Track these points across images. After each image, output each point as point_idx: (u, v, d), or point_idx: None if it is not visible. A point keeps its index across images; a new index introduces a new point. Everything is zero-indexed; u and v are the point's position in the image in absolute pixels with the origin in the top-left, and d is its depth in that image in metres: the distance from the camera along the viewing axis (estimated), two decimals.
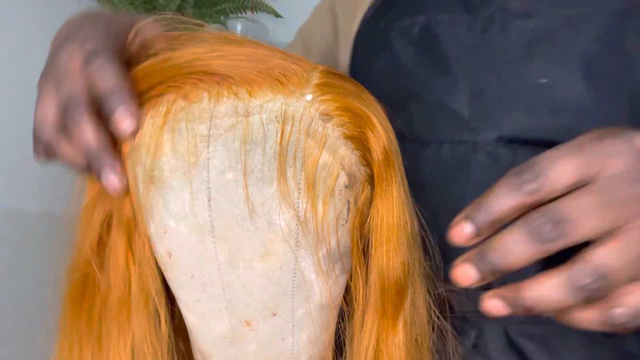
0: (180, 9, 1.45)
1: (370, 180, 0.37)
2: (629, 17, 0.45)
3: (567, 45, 0.46)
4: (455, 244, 0.28)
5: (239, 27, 1.53)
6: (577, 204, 0.25)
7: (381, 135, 0.35)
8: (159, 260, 0.38)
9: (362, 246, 0.38)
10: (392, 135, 0.36)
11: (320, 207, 0.34)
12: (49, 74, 0.36)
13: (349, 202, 0.36)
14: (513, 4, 0.48)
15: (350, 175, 0.35)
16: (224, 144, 0.33)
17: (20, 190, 1.16)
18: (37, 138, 0.37)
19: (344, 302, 0.41)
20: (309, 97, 0.34)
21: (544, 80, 0.46)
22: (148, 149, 0.34)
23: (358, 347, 0.38)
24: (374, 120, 0.35)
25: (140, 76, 0.34)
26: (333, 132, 0.34)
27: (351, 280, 0.40)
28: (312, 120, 0.34)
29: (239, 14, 1.52)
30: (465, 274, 0.27)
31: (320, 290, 0.37)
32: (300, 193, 0.34)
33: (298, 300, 0.37)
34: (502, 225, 0.27)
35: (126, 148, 0.36)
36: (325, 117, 0.34)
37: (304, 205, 0.34)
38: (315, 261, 0.36)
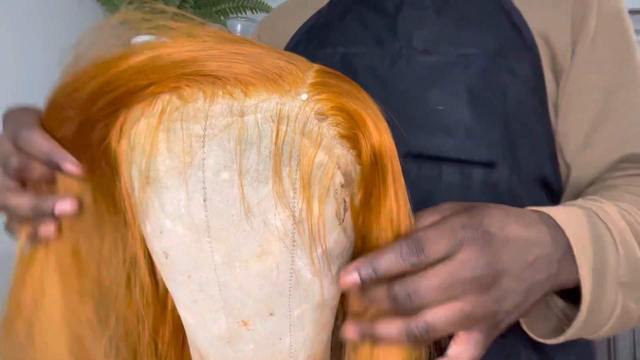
0: (180, 9, 1.46)
1: (367, 179, 0.37)
2: (502, 57, 0.57)
3: (457, 78, 0.57)
4: (342, 287, 0.36)
5: (239, 27, 1.53)
6: (428, 283, 0.35)
7: (373, 135, 0.35)
8: (156, 261, 0.38)
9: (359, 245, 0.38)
10: (387, 136, 0.36)
11: (316, 207, 0.34)
12: None
13: (345, 202, 0.36)
14: (415, 42, 0.59)
15: (346, 175, 0.35)
16: (219, 143, 0.33)
17: None
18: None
19: (341, 302, 0.41)
20: (304, 96, 0.34)
21: (440, 107, 0.56)
22: (143, 149, 0.34)
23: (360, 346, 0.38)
24: (367, 120, 0.35)
25: (133, 72, 0.34)
26: (328, 131, 0.34)
27: None
28: (308, 119, 0.34)
29: (239, 14, 1.52)
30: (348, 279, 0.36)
31: (317, 289, 0.37)
32: (295, 193, 0.34)
33: (295, 300, 0.37)
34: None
35: (121, 147, 0.36)
36: (321, 116, 0.34)
37: (300, 205, 0.34)
38: (312, 261, 0.36)
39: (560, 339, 0.44)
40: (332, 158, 0.34)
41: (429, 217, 0.38)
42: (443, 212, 0.38)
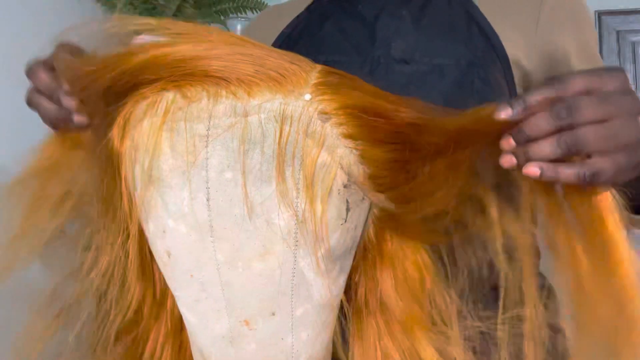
0: (180, 9, 1.45)
1: (369, 179, 0.37)
2: (476, 67, 0.59)
3: (434, 86, 0.59)
4: (497, 118, 0.36)
5: (239, 27, 1.52)
6: (586, 101, 0.36)
7: (403, 110, 0.35)
8: (159, 260, 0.38)
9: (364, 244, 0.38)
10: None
11: (319, 207, 0.34)
12: None
13: (348, 202, 0.36)
14: (393, 51, 0.61)
15: (349, 175, 0.35)
16: (223, 143, 0.33)
17: None
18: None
19: (344, 301, 0.41)
20: (307, 96, 0.34)
21: None
22: (147, 149, 0.34)
23: (367, 342, 0.38)
24: (373, 117, 0.35)
25: (138, 69, 0.34)
26: (332, 131, 0.34)
27: (351, 279, 0.40)
28: (311, 119, 0.34)
29: (239, 14, 1.52)
30: (507, 158, 0.37)
31: (320, 289, 0.37)
32: (299, 192, 0.34)
33: (297, 300, 0.37)
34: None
35: (124, 147, 0.36)
36: (324, 116, 0.34)
37: (303, 205, 0.34)
38: (314, 261, 0.36)
39: None
40: (334, 158, 0.34)
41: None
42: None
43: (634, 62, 1.35)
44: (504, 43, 0.61)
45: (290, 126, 0.33)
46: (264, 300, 0.36)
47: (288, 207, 0.34)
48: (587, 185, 0.38)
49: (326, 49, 0.65)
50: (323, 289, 0.37)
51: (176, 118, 0.34)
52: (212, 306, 0.37)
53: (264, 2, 1.49)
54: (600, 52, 1.24)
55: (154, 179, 0.34)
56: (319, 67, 0.36)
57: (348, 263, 0.39)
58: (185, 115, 0.34)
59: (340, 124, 0.34)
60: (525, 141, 0.37)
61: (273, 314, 0.37)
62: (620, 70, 0.39)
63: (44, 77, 0.47)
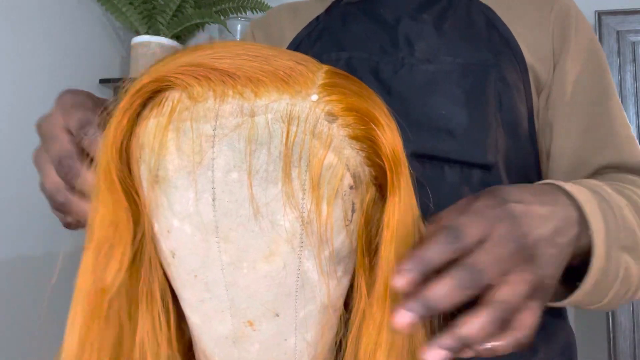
0: (180, 9, 1.45)
1: (375, 181, 0.37)
2: (495, 67, 0.62)
3: (457, 85, 0.61)
4: (396, 288, 0.35)
5: (239, 27, 1.53)
6: (483, 259, 0.35)
7: (389, 134, 0.35)
8: (163, 260, 0.38)
9: (367, 247, 0.38)
10: (397, 134, 0.36)
11: (324, 208, 0.34)
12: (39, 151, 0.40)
13: (353, 203, 0.36)
14: (417, 52, 0.64)
15: (355, 176, 0.35)
16: (229, 143, 0.33)
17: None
18: (56, 206, 0.40)
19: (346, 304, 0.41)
20: (314, 97, 0.34)
21: (443, 112, 0.60)
22: (153, 148, 0.34)
23: (365, 345, 0.38)
24: (381, 119, 0.35)
25: (144, 73, 0.34)
26: (338, 132, 0.34)
27: (355, 281, 0.40)
28: (318, 120, 0.34)
29: (239, 14, 1.52)
30: (402, 317, 0.35)
31: (324, 291, 0.37)
32: (305, 194, 0.34)
33: (301, 301, 0.37)
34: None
35: (131, 146, 0.36)
36: (331, 117, 0.34)
37: (309, 206, 0.34)
38: (319, 262, 0.36)
39: (572, 298, 0.46)
40: (341, 159, 0.34)
41: (452, 209, 0.39)
42: (460, 205, 0.40)
43: (634, 62, 1.35)
44: (520, 47, 0.63)
45: (297, 127, 0.33)
46: (268, 301, 0.36)
47: (294, 208, 0.33)
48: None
49: (349, 46, 0.67)
50: (327, 291, 0.37)
51: (182, 118, 0.34)
52: (216, 307, 0.37)
53: (264, 2, 1.49)
54: None
55: (160, 179, 0.34)
56: (325, 67, 0.36)
57: (352, 264, 0.39)
58: (192, 115, 0.33)
59: (347, 125, 0.34)
60: (429, 313, 0.35)
61: (277, 315, 0.37)
62: (504, 207, 0.38)
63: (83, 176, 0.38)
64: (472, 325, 0.35)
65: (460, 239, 0.36)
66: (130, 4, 1.42)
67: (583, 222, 0.43)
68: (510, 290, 0.36)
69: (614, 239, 0.45)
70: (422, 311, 0.34)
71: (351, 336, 0.40)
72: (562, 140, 0.63)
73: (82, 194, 0.38)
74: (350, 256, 0.38)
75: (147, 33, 1.44)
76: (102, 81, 1.45)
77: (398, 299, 0.36)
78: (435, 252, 0.35)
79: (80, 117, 0.37)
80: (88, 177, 0.37)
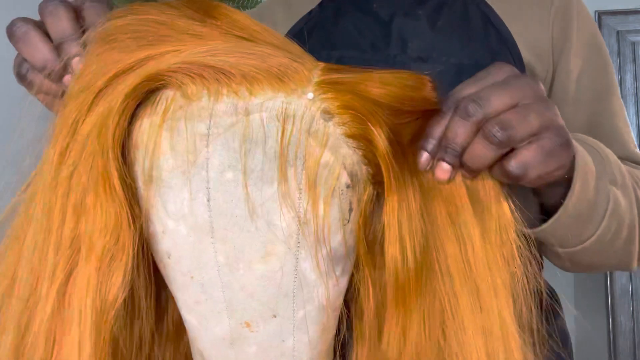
0: None
1: (373, 179, 0.37)
2: None
3: (451, 85, 0.58)
4: (422, 165, 0.37)
5: None
6: (513, 118, 0.36)
7: (385, 131, 0.34)
8: (158, 262, 0.38)
9: (369, 245, 0.37)
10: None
11: (321, 208, 0.34)
12: None
13: (351, 202, 0.35)
14: (410, 50, 0.62)
15: (352, 175, 0.35)
16: (224, 143, 0.33)
17: None
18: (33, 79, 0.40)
19: (344, 304, 0.41)
20: (310, 95, 0.34)
21: None
22: (146, 148, 0.34)
23: (386, 344, 0.37)
24: (376, 117, 0.34)
25: (137, 66, 0.33)
26: (335, 130, 0.34)
27: (355, 281, 0.40)
28: (314, 118, 0.34)
29: None
30: (441, 168, 0.37)
31: (321, 291, 0.37)
32: (301, 193, 0.33)
33: (299, 302, 0.37)
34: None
35: (127, 149, 0.35)
36: (327, 115, 0.34)
37: (305, 206, 0.33)
38: (316, 262, 0.35)
39: (555, 221, 0.46)
40: (338, 158, 0.34)
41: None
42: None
43: (634, 62, 1.35)
44: (518, 45, 0.63)
45: (293, 125, 0.33)
46: (265, 302, 0.36)
47: (290, 208, 0.33)
48: (515, 180, 0.37)
49: (341, 45, 0.65)
50: (325, 291, 0.37)
51: (176, 117, 0.33)
52: (212, 308, 0.36)
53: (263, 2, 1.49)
54: None
55: (154, 179, 0.34)
56: (321, 65, 0.36)
57: (350, 264, 0.39)
58: (186, 114, 0.33)
59: (343, 124, 0.34)
60: (468, 173, 0.37)
61: (274, 316, 0.37)
62: (503, 65, 0.39)
63: (65, 24, 0.38)
64: (457, 123, 0.36)
65: (484, 107, 0.36)
66: (130, 3, 1.42)
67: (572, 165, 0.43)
68: (514, 117, 0.36)
69: (602, 173, 0.46)
70: (450, 156, 0.36)
71: (367, 336, 0.39)
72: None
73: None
74: (348, 256, 0.38)
75: None
76: None
77: (408, 299, 0.36)
78: (459, 126, 0.36)
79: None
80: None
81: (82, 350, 0.33)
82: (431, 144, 0.37)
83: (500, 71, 0.39)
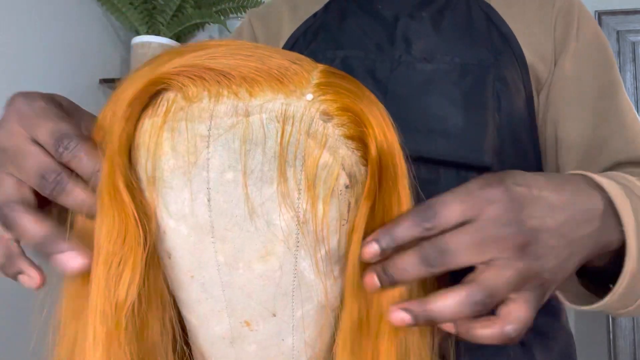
0: (180, 9, 1.45)
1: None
2: (495, 68, 0.61)
3: (454, 85, 0.60)
4: (363, 259, 0.35)
5: None
6: (457, 240, 0.34)
7: (380, 135, 0.35)
8: (159, 261, 0.38)
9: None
10: (393, 135, 0.36)
11: (320, 208, 0.34)
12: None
13: (349, 203, 0.36)
14: (414, 51, 0.62)
15: (350, 176, 0.35)
16: (224, 144, 0.33)
17: None
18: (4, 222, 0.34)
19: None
20: (309, 96, 0.34)
21: (440, 113, 0.59)
22: (148, 149, 0.34)
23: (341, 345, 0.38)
24: (373, 119, 0.35)
25: (139, 74, 0.34)
26: (333, 131, 0.34)
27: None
28: (313, 120, 0.34)
29: (239, 14, 1.52)
30: (370, 279, 0.35)
31: (320, 290, 0.37)
32: (300, 193, 0.34)
33: (298, 301, 0.37)
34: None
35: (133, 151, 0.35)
36: (326, 116, 0.34)
37: (304, 206, 0.34)
38: (315, 262, 0.36)
39: (603, 302, 0.42)
40: (337, 159, 0.34)
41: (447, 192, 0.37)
42: (456, 187, 0.37)
43: (634, 62, 1.35)
44: (521, 46, 0.62)
45: (292, 126, 0.33)
46: (265, 301, 0.36)
47: (289, 208, 0.33)
48: (509, 342, 0.35)
49: (346, 44, 0.65)
50: (324, 290, 0.37)
51: (177, 118, 0.34)
52: (212, 307, 0.37)
53: (263, 2, 1.49)
54: None
55: (155, 179, 0.34)
56: (320, 66, 0.36)
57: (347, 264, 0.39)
58: (187, 115, 0.33)
59: (342, 125, 0.34)
60: (391, 285, 0.35)
61: (274, 315, 0.37)
62: (503, 183, 0.35)
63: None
64: (445, 300, 0.34)
65: (434, 217, 0.34)
66: (131, 4, 1.42)
67: (609, 216, 0.38)
68: (492, 274, 0.33)
69: None
70: (385, 279, 0.34)
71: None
72: (570, 137, 0.61)
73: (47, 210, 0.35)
74: (347, 256, 0.38)
75: (147, 33, 1.44)
76: (102, 81, 1.45)
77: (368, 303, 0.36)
78: (404, 228, 0.34)
79: (53, 128, 0.33)
80: (79, 194, 0.34)
81: (95, 353, 0.34)
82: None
83: (492, 206, 0.34)
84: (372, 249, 0.34)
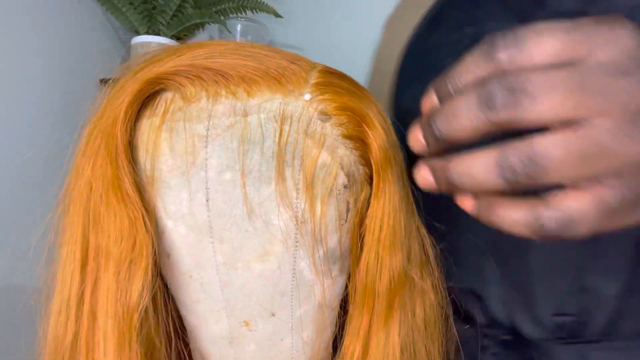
0: (180, 9, 1.45)
1: (370, 180, 0.37)
2: None
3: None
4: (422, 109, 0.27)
5: (239, 27, 1.52)
6: (541, 78, 0.22)
7: (380, 134, 0.35)
8: (158, 261, 0.38)
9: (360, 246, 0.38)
10: (391, 134, 0.36)
11: (318, 207, 0.34)
12: None
13: (348, 203, 0.36)
14: (565, 4, 0.42)
15: (349, 175, 0.35)
16: (222, 143, 0.33)
17: None
18: None
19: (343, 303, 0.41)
20: (307, 96, 0.34)
21: None
22: (146, 149, 0.34)
23: (346, 347, 0.37)
24: (373, 118, 0.35)
25: (137, 72, 0.34)
26: (332, 131, 0.34)
27: (349, 281, 0.40)
28: (311, 119, 0.34)
29: (239, 14, 1.52)
30: (414, 137, 0.26)
31: (319, 290, 0.37)
32: (298, 193, 0.34)
33: (297, 301, 0.37)
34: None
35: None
36: (324, 116, 0.34)
37: (303, 206, 0.34)
38: (314, 261, 0.36)
39: None
40: (335, 158, 0.34)
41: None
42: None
43: None
44: None
45: (290, 126, 0.33)
46: (264, 301, 0.36)
47: (288, 208, 0.34)
48: (549, 239, 0.24)
49: (477, 19, 0.49)
50: (322, 290, 0.37)
51: (175, 118, 0.34)
52: (211, 307, 0.37)
53: (264, 2, 1.49)
54: None
55: (154, 179, 0.34)
56: (319, 66, 0.36)
57: (347, 264, 0.39)
58: (185, 115, 0.34)
59: (340, 124, 0.34)
60: (436, 142, 0.25)
61: (273, 315, 0.37)
62: (629, 26, 0.23)
63: None
64: (470, 163, 0.24)
65: (514, 47, 0.23)
66: (130, 4, 1.42)
67: None
68: (561, 141, 0.22)
69: None
70: (428, 132, 0.25)
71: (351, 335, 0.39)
72: None
73: None
74: (345, 256, 0.38)
75: (147, 33, 1.44)
76: (102, 81, 1.45)
77: (382, 304, 0.36)
78: (472, 62, 0.24)
79: None
80: None
81: (106, 357, 0.34)
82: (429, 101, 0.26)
83: (607, 45, 0.22)
84: (429, 98, 0.26)
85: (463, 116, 0.23)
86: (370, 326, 0.36)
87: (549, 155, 0.22)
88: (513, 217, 0.24)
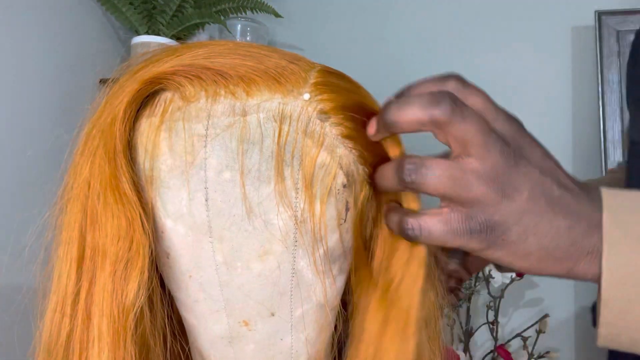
0: (180, 9, 1.45)
1: (369, 179, 0.37)
2: None
3: None
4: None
5: (239, 27, 1.52)
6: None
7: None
8: (157, 261, 0.38)
9: (364, 245, 0.38)
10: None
11: (318, 207, 0.34)
12: None
13: (347, 202, 0.36)
14: None
15: (348, 175, 0.35)
16: (221, 143, 0.33)
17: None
18: None
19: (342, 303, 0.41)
20: (306, 96, 0.34)
21: None
22: (145, 149, 0.34)
23: (365, 350, 0.37)
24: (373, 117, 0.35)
25: (136, 72, 0.34)
26: (331, 131, 0.34)
27: (350, 281, 0.40)
28: (310, 119, 0.34)
29: (239, 14, 1.52)
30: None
31: (319, 290, 0.37)
32: (298, 192, 0.34)
33: (296, 300, 0.37)
34: None
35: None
36: (323, 116, 0.34)
37: (302, 205, 0.34)
38: (314, 261, 0.36)
39: (600, 334, 0.35)
40: (334, 158, 0.34)
41: None
42: None
43: None
44: None
45: (289, 126, 0.33)
46: (263, 300, 0.36)
47: (287, 207, 0.34)
48: (411, 240, 0.32)
49: None
50: (322, 290, 0.37)
51: (174, 118, 0.34)
52: (211, 307, 0.37)
53: (264, 2, 1.49)
54: (601, 51, 1.24)
55: (153, 179, 0.34)
56: (318, 66, 0.36)
57: (347, 263, 0.39)
58: (184, 115, 0.34)
59: (339, 124, 0.34)
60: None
61: (272, 315, 0.37)
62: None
63: None
64: (391, 163, 0.32)
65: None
66: (130, 4, 1.42)
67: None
68: (441, 161, 0.30)
69: None
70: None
71: (351, 336, 0.39)
72: None
73: None
74: (345, 255, 0.38)
75: (147, 33, 1.44)
76: (102, 81, 1.45)
77: (397, 300, 0.35)
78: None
79: None
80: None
81: (100, 356, 0.33)
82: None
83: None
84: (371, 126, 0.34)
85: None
86: (385, 329, 0.36)
87: (430, 168, 0.30)
88: (392, 218, 0.33)
